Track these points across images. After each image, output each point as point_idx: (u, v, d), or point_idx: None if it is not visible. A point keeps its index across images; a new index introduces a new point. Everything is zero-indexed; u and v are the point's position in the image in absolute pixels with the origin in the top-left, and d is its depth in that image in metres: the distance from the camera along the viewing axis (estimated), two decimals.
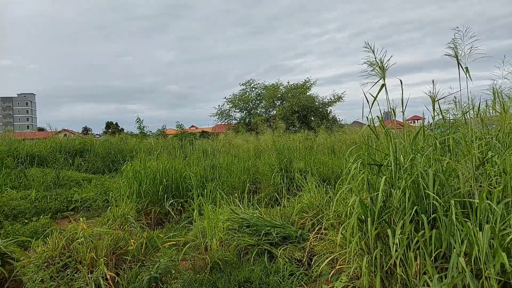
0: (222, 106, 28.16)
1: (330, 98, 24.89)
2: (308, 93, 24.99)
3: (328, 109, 24.83)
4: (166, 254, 4.20)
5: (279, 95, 25.45)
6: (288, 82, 26.63)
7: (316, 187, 5.85)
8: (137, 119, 20.65)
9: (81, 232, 4.26)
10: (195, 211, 4.77)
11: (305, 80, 26.02)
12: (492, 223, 2.24)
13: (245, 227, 4.89)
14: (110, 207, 5.99)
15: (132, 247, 4.25)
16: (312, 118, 23.59)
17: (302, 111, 23.36)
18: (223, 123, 28.14)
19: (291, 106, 23.31)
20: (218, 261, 4.27)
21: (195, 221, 4.82)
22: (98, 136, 27.08)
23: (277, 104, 25.54)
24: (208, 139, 13.52)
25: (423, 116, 5.01)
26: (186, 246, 4.42)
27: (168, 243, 4.56)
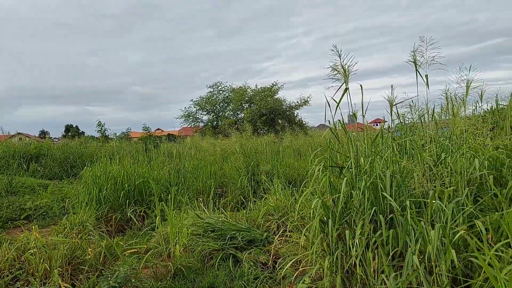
0: (188, 108, 27.82)
1: (297, 102, 25.30)
2: (275, 96, 25.22)
3: (295, 113, 25.22)
4: (126, 263, 4.03)
5: (247, 98, 25.48)
6: (256, 85, 26.71)
7: (282, 190, 5.89)
8: (98, 122, 19.93)
9: (34, 242, 4.01)
10: (157, 217, 4.63)
11: (273, 84, 26.24)
12: (443, 222, 2.34)
13: (210, 232, 4.82)
14: (67, 215, 5.70)
15: (90, 256, 4.05)
16: (279, 121, 23.83)
17: (270, 114, 23.54)
18: (189, 126, 27.73)
19: (259, 109, 23.41)
20: (181, 267, 4.17)
21: (157, 228, 4.69)
22: (57, 140, 25.72)
23: (245, 107, 25.56)
24: (174, 142, 13.24)
25: (384, 119, 5.20)
26: (148, 254, 4.27)
27: (129, 251, 4.39)
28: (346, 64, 2.84)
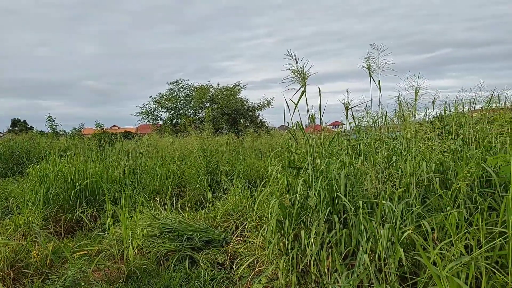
0: (147, 105, 26.85)
1: (260, 103, 25.41)
2: (238, 96, 25.13)
3: (257, 113, 25.31)
4: (75, 265, 3.82)
5: (209, 96, 25.14)
6: (218, 84, 26.42)
7: (241, 190, 5.88)
8: (48, 117, 18.78)
9: None
10: (109, 218, 4.44)
11: (236, 83, 26.12)
12: (393, 222, 2.46)
13: (166, 233, 4.70)
14: (11, 215, 5.31)
15: (35, 259, 3.79)
16: (241, 121, 23.81)
17: (232, 113, 23.44)
18: (147, 123, 26.82)
19: (221, 108, 23.23)
20: (135, 269, 4.02)
21: (105, 230, 4.50)
22: (1, 135, 23.85)
23: (207, 105, 25.22)
24: (131, 140, 12.77)
25: (342, 121, 5.36)
26: (100, 256, 4.08)
27: (79, 253, 4.17)
28: (302, 67, 2.89)
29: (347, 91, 3.17)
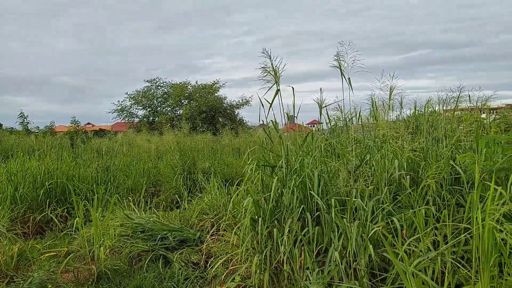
0: (122, 102, 26.13)
1: (239, 101, 25.22)
2: (216, 94, 24.85)
3: (236, 111, 25.12)
4: (42, 267, 3.67)
5: (187, 94, 24.73)
6: (196, 82, 26.00)
7: (218, 188, 5.83)
8: (20, 114, 18.03)
9: None
10: (77, 218, 4.30)
11: (214, 81, 25.81)
12: (363, 219, 2.49)
13: (139, 233, 4.59)
14: None
15: None
16: (220, 119, 23.60)
17: (210, 111, 23.15)
18: (123, 121, 26.12)
19: (199, 106, 22.89)
20: (106, 270, 3.91)
21: (75, 230, 4.37)
22: None
23: (184, 103, 24.82)
24: (104, 138, 12.43)
25: (320, 120, 5.40)
26: (69, 257, 3.94)
27: (47, 255, 4.01)
28: (276, 66, 2.88)
29: (320, 90, 3.19)
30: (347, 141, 3.50)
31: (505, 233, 1.91)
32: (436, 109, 5.10)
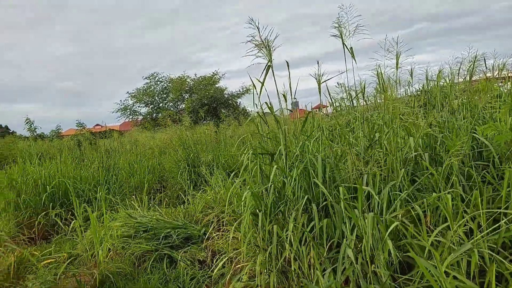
0: (124, 101, 26.05)
1: (239, 90, 24.86)
2: (217, 86, 24.51)
3: (238, 101, 24.78)
4: (41, 275, 3.50)
5: (187, 87, 24.47)
6: (195, 75, 25.66)
7: (222, 181, 5.58)
8: (26, 120, 18.09)
9: None
10: (75, 221, 4.12)
11: (213, 73, 25.44)
12: (379, 209, 2.19)
13: (142, 232, 4.39)
14: None
15: None
16: (222, 110, 23.27)
17: (212, 103, 22.88)
18: (127, 120, 26.07)
19: (200, 99, 22.63)
20: (108, 274, 3.73)
21: (76, 232, 4.19)
22: None
23: (186, 97, 24.55)
24: (110, 138, 12.30)
25: (327, 104, 5.06)
26: (67, 262, 3.77)
27: (46, 261, 3.84)
28: (266, 38, 2.56)
29: (318, 63, 2.85)
30: (353, 121, 3.18)
31: None
32: (442, 81, 4.73)
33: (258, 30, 2.56)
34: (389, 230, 1.91)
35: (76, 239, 4.80)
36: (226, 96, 24.23)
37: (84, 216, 5.05)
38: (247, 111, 23.25)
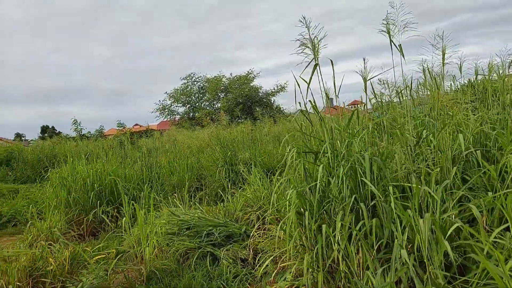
0: (163, 101, 26.97)
1: (274, 88, 24.91)
2: (251, 84, 24.72)
3: (272, 99, 24.85)
4: (92, 271, 3.69)
5: (222, 87, 24.88)
6: (231, 74, 26.07)
7: (260, 179, 5.61)
8: (73, 121, 19.15)
9: None
10: (124, 218, 4.29)
11: (248, 72, 25.70)
12: (431, 208, 2.10)
13: (185, 230, 4.51)
14: (31, 222, 5.30)
15: (52, 267, 3.68)
16: (257, 108, 23.42)
17: (247, 102, 23.10)
18: (166, 120, 26.94)
19: (235, 98, 22.93)
20: (155, 270, 3.86)
21: (125, 230, 4.37)
22: (33, 142, 24.61)
23: (221, 96, 24.98)
24: (151, 137, 12.75)
25: (361, 100, 4.94)
26: (116, 258, 3.94)
27: (96, 257, 4.04)
28: (314, 36, 2.52)
29: (364, 60, 2.77)
30: (399, 117, 3.06)
31: None
32: (500, 73, 4.44)
33: (308, 29, 2.54)
34: (449, 232, 1.83)
35: (122, 235, 5.02)
36: (260, 94, 24.35)
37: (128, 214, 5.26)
38: (282, 109, 23.22)
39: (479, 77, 4.67)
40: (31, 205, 6.53)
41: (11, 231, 6.57)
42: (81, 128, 19.11)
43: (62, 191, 6.10)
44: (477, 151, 2.51)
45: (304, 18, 2.52)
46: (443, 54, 2.99)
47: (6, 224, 6.95)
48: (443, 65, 3.24)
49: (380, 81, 3.78)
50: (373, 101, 4.18)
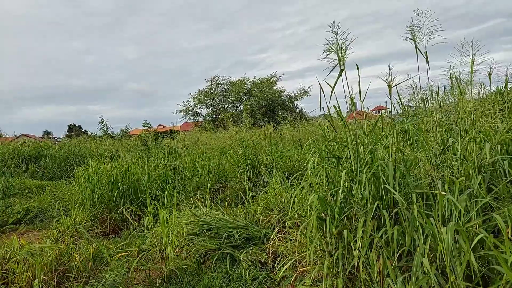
0: (187, 102, 27.49)
1: (297, 92, 24.92)
2: (274, 87, 24.80)
3: (295, 103, 24.85)
4: (114, 268, 3.80)
5: (246, 90, 25.10)
6: (254, 77, 26.28)
7: (281, 182, 5.62)
8: (101, 120, 19.75)
9: (16, 250, 3.79)
10: (147, 217, 4.40)
11: (271, 75, 25.80)
12: (456, 216, 2.06)
13: (206, 231, 4.58)
14: (57, 218, 5.50)
15: (76, 262, 3.82)
16: (279, 112, 23.46)
17: (269, 105, 23.19)
18: (189, 121, 27.41)
19: (258, 101, 23.07)
20: (175, 270, 3.94)
21: (147, 229, 4.47)
22: (60, 140, 25.57)
23: (244, 99, 25.19)
24: (175, 138, 12.98)
25: (386, 106, 4.87)
26: (139, 257, 4.04)
27: (119, 255, 4.16)
28: (340, 41, 2.53)
29: (389, 67, 2.75)
30: (424, 125, 3.01)
31: None
32: None
33: (336, 34, 2.55)
34: (473, 243, 1.80)
35: (145, 234, 5.14)
36: (283, 98, 24.39)
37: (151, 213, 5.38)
38: (304, 113, 23.14)
39: (510, 85, 4.52)
40: (57, 202, 6.78)
41: (38, 226, 6.82)
42: (108, 128, 19.73)
43: (88, 188, 6.29)
44: (504, 160, 2.44)
45: (334, 23, 2.54)
46: (472, 62, 2.92)
47: (33, 219, 7.21)
48: (471, 72, 3.17)
49: (406, 87, 3.73)
50: (398, 107, 4.12)
